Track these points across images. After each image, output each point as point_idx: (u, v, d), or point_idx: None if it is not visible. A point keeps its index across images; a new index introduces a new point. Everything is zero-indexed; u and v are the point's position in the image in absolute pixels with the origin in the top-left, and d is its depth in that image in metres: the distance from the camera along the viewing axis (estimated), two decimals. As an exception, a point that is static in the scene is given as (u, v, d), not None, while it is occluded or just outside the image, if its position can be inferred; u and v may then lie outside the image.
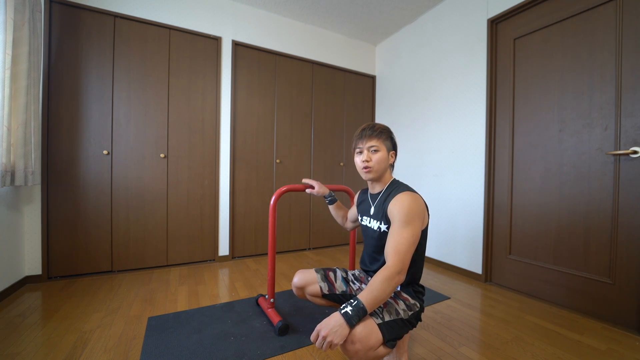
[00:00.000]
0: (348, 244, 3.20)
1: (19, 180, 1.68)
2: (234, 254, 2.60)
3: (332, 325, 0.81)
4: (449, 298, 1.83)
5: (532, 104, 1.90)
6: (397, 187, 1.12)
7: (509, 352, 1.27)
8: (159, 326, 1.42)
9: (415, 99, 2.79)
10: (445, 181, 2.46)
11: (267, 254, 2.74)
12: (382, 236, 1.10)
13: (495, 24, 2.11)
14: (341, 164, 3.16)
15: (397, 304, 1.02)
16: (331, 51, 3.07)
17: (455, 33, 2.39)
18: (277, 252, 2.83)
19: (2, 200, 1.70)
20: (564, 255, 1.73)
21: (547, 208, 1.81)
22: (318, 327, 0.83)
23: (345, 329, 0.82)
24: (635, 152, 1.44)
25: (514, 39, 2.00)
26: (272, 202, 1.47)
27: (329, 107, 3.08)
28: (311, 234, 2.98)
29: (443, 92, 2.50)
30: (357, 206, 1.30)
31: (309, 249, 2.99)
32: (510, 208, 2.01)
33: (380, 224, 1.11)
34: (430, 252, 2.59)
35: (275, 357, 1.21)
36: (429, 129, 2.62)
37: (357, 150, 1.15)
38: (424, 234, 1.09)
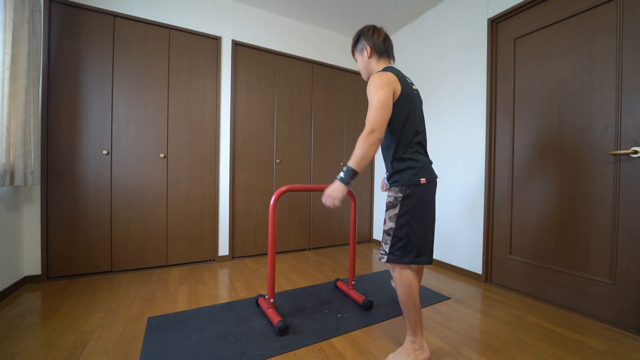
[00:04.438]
0: (348, 244, 3.20)
1: (18, 180, 1.68)
2: (233, 254, 2.60)
3: (333, 188, 1.13)
4: (449, 298, 1.82)
5: (532, 103, 1.90)
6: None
7: (509, 352, 1.27)
8: (158, 326, 1.42)
9: (415, 99, 2.79)
10: (445, 181, 2.46)
11: (267, 254, 2.73)
12: None
13: (495, 24, 2.11)
14: (341, 163, 3.16)
15: (385, 223, 1.18)
16: (331, 51, 3.07)
17: (456, 33, 2.38)
18: (277, 252, 2.83)
19: (2, 200, 1.70)
20: (564, 256, 1.73)
21: (547, 208, 1.80)
22: (325, 192, 1.14)
23: (342, 187, 1.11)
24: (635, 152, 1.44)
25: (514, 39, 1.99)
26: (272, 202, 1.46)
27: (329, 107, 3.08)
28: (311, 234, 2.98)
29: (443, 92, 2.49)
30: None
31: (309, 249, 2.98)
32: (511, 208, 2.00)
33: None
34: (430, 252, 2.58)
35: (275, 357, 1.21)
36: (429, 129, 2.61)
37: None
38: (399, 103, 1.14)
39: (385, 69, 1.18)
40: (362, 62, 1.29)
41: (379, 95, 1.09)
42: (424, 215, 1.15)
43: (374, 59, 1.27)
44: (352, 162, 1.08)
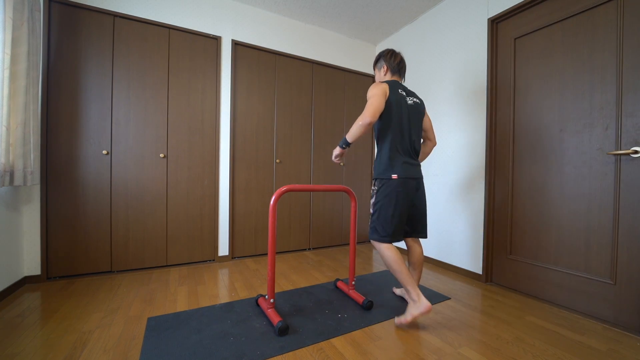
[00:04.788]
0: (348, 244, 3.20)
1: (18, 180, 1.68)
2: (233, 254, 2.60)
3: (335, 149, 1.61)
4: (449, 298, 1.82)
5: (532, 103, 1.90)
6: None
7: (509, 352, 1.26)
8: (158, 326, 1.42)
9: (415, 99, 2.79)
10: (445, 181, 2.46)
11: (267, 254, 2.73)
12: None
13: (495, 24, 2.11)
14: (341, 164, 3.15)
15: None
16: (331, 51, 3.06)
17: (456, 32, 2.38)
18: (277, 252, 2.82)
19: (1, 200, 1.70)
20: (564, 256, 1.72)
21: (547, 208, 1.80)
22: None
23: (339, 148, 1.51)
24: (636, 152, 1.44)
25: (515, 39, 1.99)
26: (272, 202, 1.46)
27: (329, 107, 3.08)
28: (311, 234, 2.97)
29: (443, 91, 2.49)
30: None
31: (309, 249, 2.98)
32: (511, 208, 2.00)
33: None
34: (430, 252, 2.59)
35: (275, 357, 1.21)
36: (429, 129, 2.61)
37: None
38: (386, 107, 1.44)
39: (384, 82, 1.50)
40: (378, 76, 1.66)
41: (373, 92, 1.43)
42: (392, 205, 1.44)
43: (388, 75, 1.61)
44: (347, 135, 1.45)
